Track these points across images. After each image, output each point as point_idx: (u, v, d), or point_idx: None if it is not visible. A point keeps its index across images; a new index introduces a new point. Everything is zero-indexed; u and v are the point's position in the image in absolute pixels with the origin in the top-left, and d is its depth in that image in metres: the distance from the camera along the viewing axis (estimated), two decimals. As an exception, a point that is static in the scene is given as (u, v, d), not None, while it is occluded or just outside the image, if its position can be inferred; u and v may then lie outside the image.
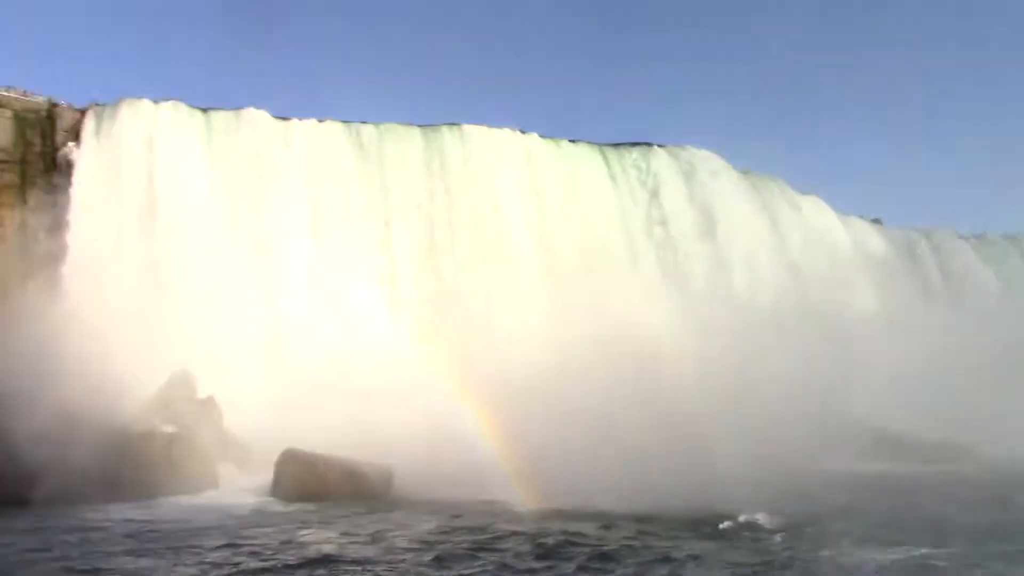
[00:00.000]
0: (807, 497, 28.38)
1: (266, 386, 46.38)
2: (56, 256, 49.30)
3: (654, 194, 64.87)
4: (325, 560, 20.64)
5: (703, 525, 23.77)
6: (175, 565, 20.24)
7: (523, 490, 32.28)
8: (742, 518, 24.00)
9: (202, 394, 43.12)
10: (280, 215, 54.36)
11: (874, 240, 75.10)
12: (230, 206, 53.83)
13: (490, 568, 18.93)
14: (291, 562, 20.61)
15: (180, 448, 37.30)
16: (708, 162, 67.44)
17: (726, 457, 35.13)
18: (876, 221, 79.12)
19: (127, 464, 34.65)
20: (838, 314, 54.46)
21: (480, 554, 20.44)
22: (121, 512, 30.05)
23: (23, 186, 52.26)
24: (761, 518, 24.18)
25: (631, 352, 48.85)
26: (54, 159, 53.24)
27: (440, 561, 19.86)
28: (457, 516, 27.63)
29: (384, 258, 56.40)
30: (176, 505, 32.48)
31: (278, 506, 32.20)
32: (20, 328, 42.32)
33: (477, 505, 30.15)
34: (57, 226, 50.50)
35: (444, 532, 24.80)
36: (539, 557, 19.89)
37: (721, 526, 23.54)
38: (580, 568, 18.63)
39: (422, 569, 19.10)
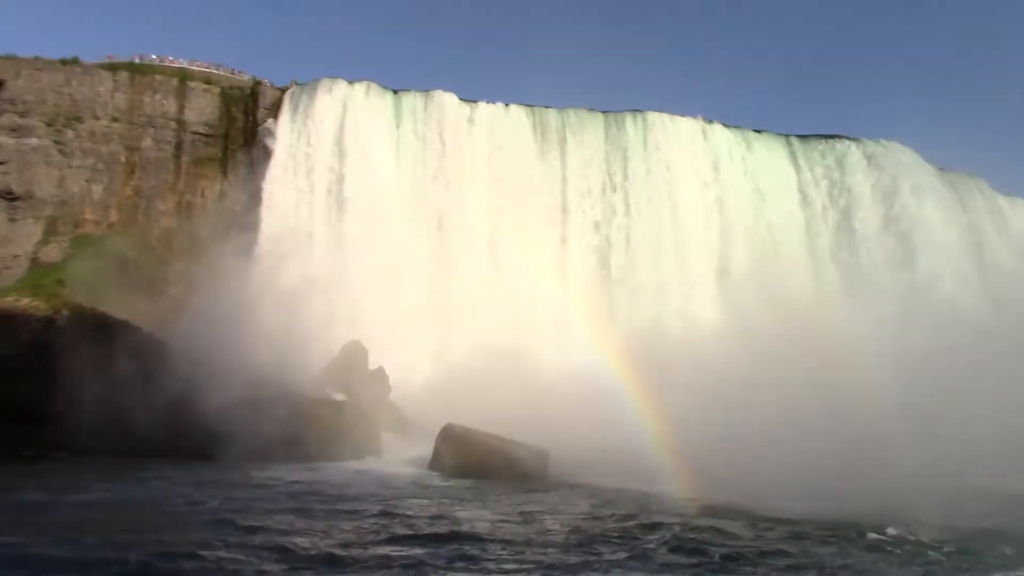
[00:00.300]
0: (975, 514, 26.42)
1: (434, 361, 47.64)
2: (251, 226, 52.23)
3: (841, 187, 62.00)
4: (473, 536, 20.81)
5: (852, 534, 22.59)
6: (330, 527, 20.94)
7: (681, 481, 31.66)
8: (891, 531, 22.63)
9: (373, 366, 44.62)
10: (461, 196, 55.40)
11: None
12: (414, 185, 55.42)
13: (626, 558, 18.64)
14: (441, 535, 20.90)
15: (348, 416, 38.77)
16: (901, 157, 63.82)
17: (897, 466, 33.51)
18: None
19: (300, 428, 36.14)
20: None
21: (622, 542, 20.16)
22: (290, 473, 31.38)
23: (224, 159, 55.72)
24: (913, 531, 22.78)
25: (808, 351, 47.28)
26: (254, 134, 56.42)
27: (581, 547, 19.71)
28: (609, 502, 27.34)
29: (559, 242, 56.54)
30: (340, 470, 33.70)
31: (435, 479, 32.83)
32: (217, 293, 45.21)
33: (631, 493, 29.75)
34: (253, 198, 53.50)
35: (594, 518, 24.55)
36: (677, 550, 19.43)
37: (870, 536, 22.30)
38: (715, 566, 18.08)
39: (561, 555, 18.99)
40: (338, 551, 17.94)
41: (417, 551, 18.34)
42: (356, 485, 29.21)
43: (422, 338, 50.20)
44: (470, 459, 33.93)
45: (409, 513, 24.12)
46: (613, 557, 18.73)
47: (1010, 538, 22.41)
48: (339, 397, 40.64)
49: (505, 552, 19.18)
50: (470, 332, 49.90)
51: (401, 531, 21.21)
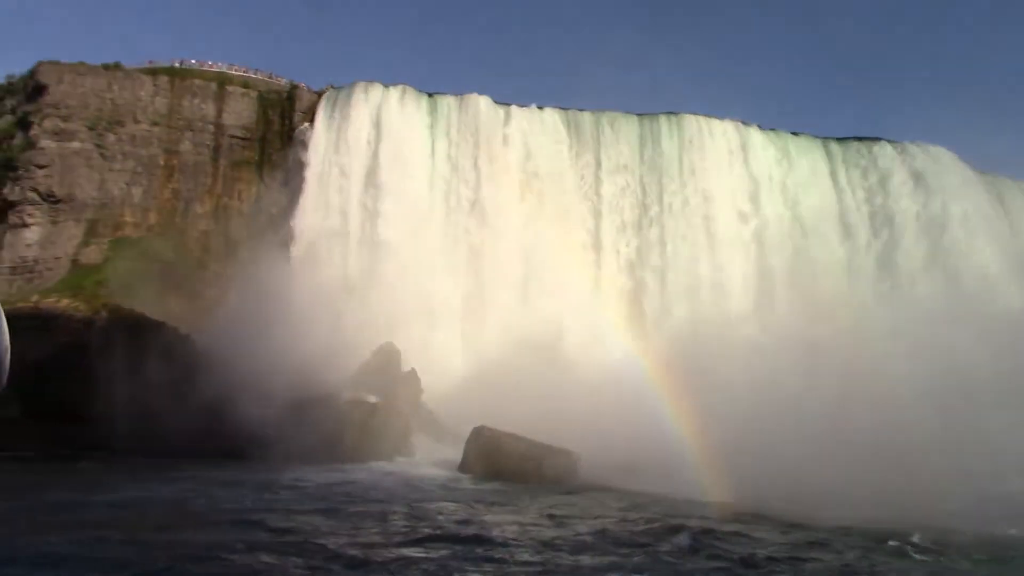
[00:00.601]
0: (1000, 520, 25.93)
1: (467, 363, 47.72)
2: (287, 229, 52.75)
3: (878, 190, 61.17)
4: (496, 539, 20.78)
5: (878, 540, 22.29)
6: (355, 528, 21.04)
7: (713, 487, 31.44)
8: (915, 537, 22.29)
9: (405, 367, 44.81)
10: (495, 198, 55.43)
11: None
12: (449, 187, 55.60)
13: (648, 562, 18.52)
14: (464, 536, 20.93)
15: (380, 418, 39.00)
16: (939, 159, 62.77)
17: (931, 471, 33.02)
18: None
19: (334, 430, 36.46)
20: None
21: (645, 547, 20.02)
22: (321, 474, 31.63)
23: (261, 162, 56.32)
24: (941, 539, 22.45)
25: (845, 356, 46.76)
26: (290, 137, 56.95)
27: (603, 551, 19.58)
28: (638, 507, 27.22)
29: (593, 245, 56.42)
30: (371, 471, 33.91)
31: (464, 481, 32.90)
32: (252, 296, 45.72)
33: (661, 497, 29.51)
34: (289, 201, 54.01)
35: (620, 522, 24.38)
36: (697, 554, 19.28)
37: (891, 543, 21.98)
38: (734, 572, 17.94)
39: (582, 559, 18.90)
40: (361, 552, 18.05)
41: (439, 553, 18.38)
42: (385, 486, 29.37)
43: (455, 340, 50.45)
44: (499, 462, 33.95)
45: (434, 515, 24.21)
46: (635, 560, 18.61)
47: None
48: (372, 399, 40.83)
49: (526, 555, 19.15)
50: (503, 334, 49.94)
51: (425, 532, 21.27)
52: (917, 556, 20.45)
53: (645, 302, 56.14)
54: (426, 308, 50.48)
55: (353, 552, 18.06)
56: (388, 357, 45.37)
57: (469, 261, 53.84)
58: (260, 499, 24.85)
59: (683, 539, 21.28)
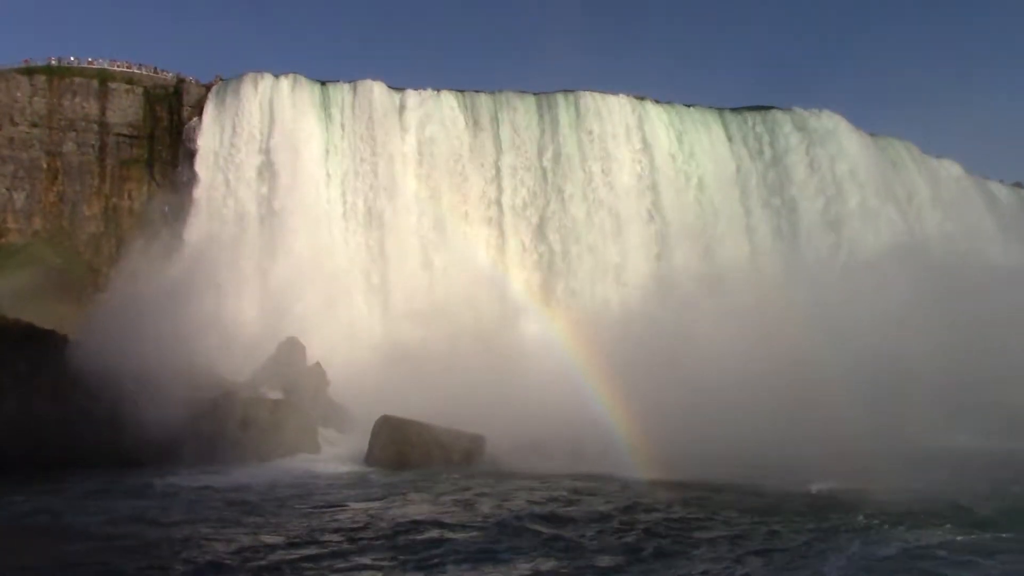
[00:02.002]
0: (906, 472, 26.80)
1: (372, 353, 47.12)
2: (180, 226, 51.34)
3: (775, 158, 62.36)
4: (400, 530, 20.44)
5: (773, 498, 22.98)
6: (236, 532, 20.20)
7: (627, 461, 31.66)
8: (815, 488, 22.98)
9: (310, 361, 44.04)
10: (393, 184, 54.83)
11: (1012, 203, 70.22)
12: (345, 175, 54.78)
13: (525, 546, 18.40)
14: (365, 533, 20.48)
15: (283, 414, 38.07)
16: (832, 125, 64.24)
17: (848, 429, 33.89)
18: (1017, 184, 74.04)
19: (232, 429, 35.50)
20: (966, 278, 51.20)
21: (531, 529, 19.94)
22: (210, 476, 30.73)
23: (151, 160, 54.68)
24: (833, 490, 23.22)
25: (750, 322, 47.66)
26: (180, 133, 55.39)
27: (482, 537, 19.39)
28: (538, 488, 27.06)
29: (494, 226, 56.29)
30: (268, 470, 33.05)
31: (368, 474, 32.43)
32: (145, 296, 44.33)
33: (566, 476, 29.64)
34: (182, 198, 52.57)
35: (507, 506, 24.21)
36: (590, 530, 19.26)
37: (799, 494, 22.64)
38: (623, 545, 18.07)
39: (463, 546, 18.65)
40: (234, 559, 17.33)
41: (323, 553, 17.89)
42: (285, 485, 28.55)
43: (360, 330, 49.83)
44: (404, 450, 33.61)
45: (338, 511, 23.72)
46: (516, 544, 18.46)
47: (933, 496, 22.56)
48: (275, 395, 40.02)
49: (414, 547, 18.74)
50: (409, 321, 49.51)
51: (311, 532, 20.58)
52: (810, 509, 20.83)
53: (550, 279, 56.31)
54: (328, 299, 49.70)
55: (225, 559, 17.29)
56: (291, 352, 44.50)
57: (369, 249, 53.23)
58: (131, 508, 23.36)
59: (581, 516, 21.35)
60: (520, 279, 55.20)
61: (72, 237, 52.14)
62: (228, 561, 17.11)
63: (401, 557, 17.45)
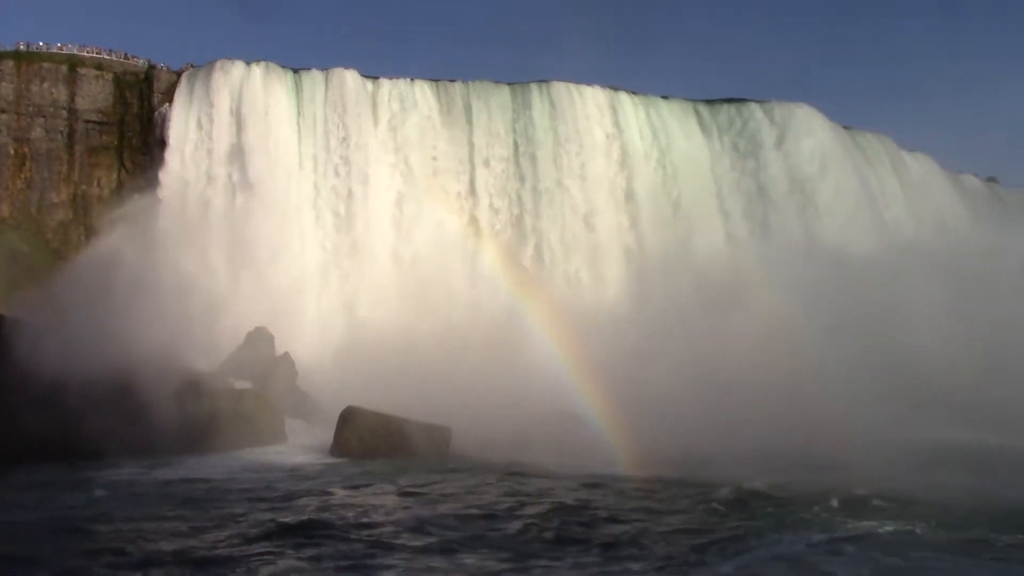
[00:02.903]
0: (853, 466, 27.13)
1: (343, 342, 47.06)
2: (150, 214, 50.91)
3: (748, 151, 62.55)
4: (349, 523, 20.43)
5: (703, 492, 23.19)
6: (189, 524, 19.97)
7: (602, 454, 31.73)
8: (705, 491, 23.30)
9: (279, 351, 43.92)
10: (365, 173, 54.60)
11: (985, 198, 70.95)
12: (317, 164, 54.51)
13: (472, 539, 18.46)
14: (324, 522, 20.45)
15: (250, 404, 38.06)
16: (806, 118, 64.52)
17: (827, 423, 34.29)
18: (991, 180, 74.82)
19: (196, 419, 35.24)
20: (935, 272, 51.73)
21: (484, 524, 19.97)
22: (174, 468, 30.67)
23: (120, 147, 54.21)
24: (763, 486, 23.52)
25: (719, 313, 47.96)
26: (150, 120, 54.93)
27: (433, 531, 19.42)
28: (497, 482, 27.03)
29: (467, 216, 56.21)
30: (231, 461, 32.94)
31: (333, 464, 32.44)
32: (116, 281, 44.06)
33: (526, 467, 29.60)
34: (151, 185, 52.14)
35: (465, 500, 24.19)
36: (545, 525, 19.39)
37: (722, 493, 22.89)
38: (551, 531, 18.32)
39: (412, 540, 18.68)
40: (162, 552, 17.16)
41: (276, 546, 17.84)
42: (243, 476, 28.48)
43: (330, 320, 49.72)
44: (369, 442, 33.63)
45: (296, 501, 23.68)
46: (464, 536, 18.52)
47: (873, 488, 22.78)
48: (241, 385, 39.90)
49: (365, 540, 18.68)
50: (380, 310, 49.49)
51: (283, 521, 20.59)
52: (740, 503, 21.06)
53: (524, 270, 56.29)
54: (299, 289, 49.58)
55: (157, 553, 17.11)
56: (260, 341, 44.44)
57: (341, 239, 53.05)
58: (60, 504, 22.99)
59: (529, 513, 21.36)
60: (494, 269, 55.08)
61: (40, 224, 51.64)
62: (160, 554, 16.98)
63: (341, 548, 17.41)
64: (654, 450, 30.49)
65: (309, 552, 17.15)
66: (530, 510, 21.71)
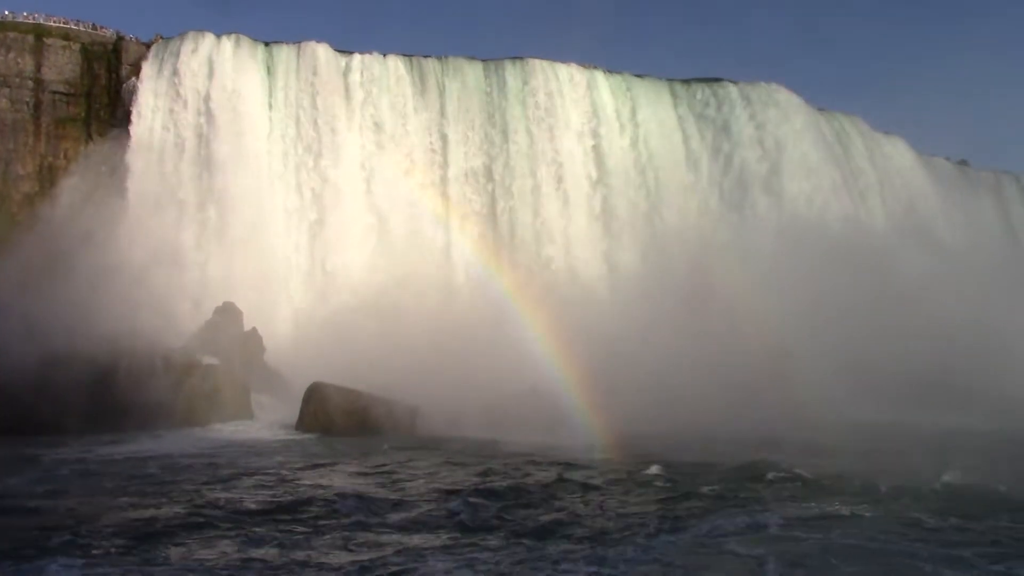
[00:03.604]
0: (822, 447, 27.46)
1: (311, 319, 46.91)
2: (117, 187, 50.36)
3: (722, 130, 62.54)
4: (310, 498, 20.40)
5: (662, 469, 23.50)
6: (130, 503, 19.89)
7: (573, 431, 31.87)
8: (653, 469, 23.46)
9: (247, 326, 43.70)
10: (336, 148, 54.17)
11: (955, 180, 71.51)
12: (287, 138, 54.02)
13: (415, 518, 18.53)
14: (280, 500, 20.40)
15: (217, 380, 37.83)
16: (780, 99, 64.54)
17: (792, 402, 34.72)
18: (963, 162, 75.40)
19: (162, 395, 35.11)
20: (904, 252, 52.22)
21: (439, 502, 20.00)
22: (136, 443, 30.50)
23: (88, 119, 53.47)
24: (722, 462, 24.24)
25: (691, 290, 48.28)
26: (118, 92, 54.21)
27: (386, 511, 19.46)
28: (459, 460, 26.94)
29: (439, 191, 55.92)
30: (200, 435, 32.96)
31: (297, 440, 32.42)
32: (81, 255, 43.63)
33: (488, 444, 29.74)
34: (119, 158, 51.50)
35: (422, 475, 24.33)
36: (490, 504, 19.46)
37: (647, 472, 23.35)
38: (504, 510, 18.42)
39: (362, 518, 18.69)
40: (109, 528, 17.03)
41: (223, 525, 17.74)
42: (206, 452, 28.25)
43: (301, 295, 49.45)
44: (334, 418, 33.72)
45: (254, 479, 23.57)
46: (409, 518, 18.50)
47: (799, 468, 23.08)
48: (208, 361, 39.61)
49: (338, 512, 18.80)
50: (349, 285, 49.29)
51: (240, 501, 20.48)
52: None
53: (496, 245, 56.22)
54: (268, 262, 49.32)
55: (103, 530, 16.88)
56: (228, 317, 44.13)
57: (312, 212, 52.68)
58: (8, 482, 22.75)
59: (492, 490, 21.41)
60: (465, 244, 55.00)
61: (5, 197, 50.94)
62: (104, 529, 16.88)
63: (283, 528, 17.26)
64: (624, 427, 30.77)
65: (242, 531, 16.95)
66: (489, 488, 21.68)
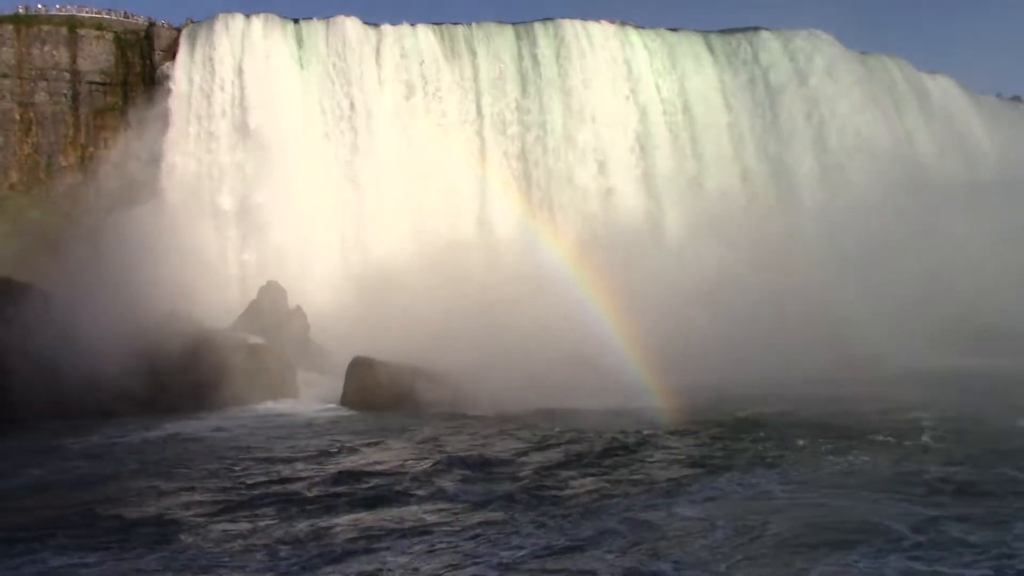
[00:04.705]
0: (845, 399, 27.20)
1: (355, 293, 46.97)
2: (157, 173, 50.84)
3: (762, 80, 61.22)
4: (351, 473, 20.58)
5: (707, 422, 23.86)
6: (181, 488, 20.24)
7: (632, 393, 31.68)
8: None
9: (291, 304, 43.97)
10: (369, 121, 54.08)
11: (1008, 116, 69.21)
12: (321, 114, 54.04)
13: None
14: (314, 477, 20.60)
15: (262, 358, 38.17)
16: (819, 44, 62.92)
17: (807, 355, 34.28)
18: (1016, 99, 72.89)
19: (208, 376, 35.52)
20: (952, 192, 51.00)
21: (461, 472, 20.05)
22: (183, 423, 30.95)
23: (125, 107, 53.93)
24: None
25: (732, 243, 47.69)
26: (153, 79, 54.59)
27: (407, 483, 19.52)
28: (501, 431, 27.04)
29: (475, 161, 55.58)
30: (246, 414, 33.40)
31: (342, 415, 32.65)
32: (125, 242, 44.19)
33: (531, 415, 29.64)
34: (158, 144, 51.91)
35: (477, 443, 24.52)
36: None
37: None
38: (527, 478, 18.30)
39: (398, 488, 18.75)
40: (138, 510, 17.49)
41: (263, 500, 17.93)
42: (245, 431, 29.02)
43: (341, 270, 49.51)
44: (378, 391, 33.84)
45: (294, 455, 23.87)
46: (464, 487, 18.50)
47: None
48: (253, 340, 39.97)
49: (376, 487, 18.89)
50: (391, 258, 49.20)
51: (276, 475, 20.88)
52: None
53: (536, 211, 55.85)
54: (309, 241, 49.54)
55: (130, 512, 17.41)
56: (272, 296, 44.41)
57: (349, 188, 52.75)
58: (68, 461, 23.70)
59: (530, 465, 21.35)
60: (504, 209, 54.71)
61: (49, 188, 51.66)
62: (133, 513, 17.27)
63: (313, 506, 17.48)
64: (681, 389, 30.54)
65: (272, 513, 17.15)
66: (532, 458, 21.70)
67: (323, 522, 16.00)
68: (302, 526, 15.78)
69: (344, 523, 15.95)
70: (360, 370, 34.56)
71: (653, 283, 42.69)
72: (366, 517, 16.34)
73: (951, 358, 38.19)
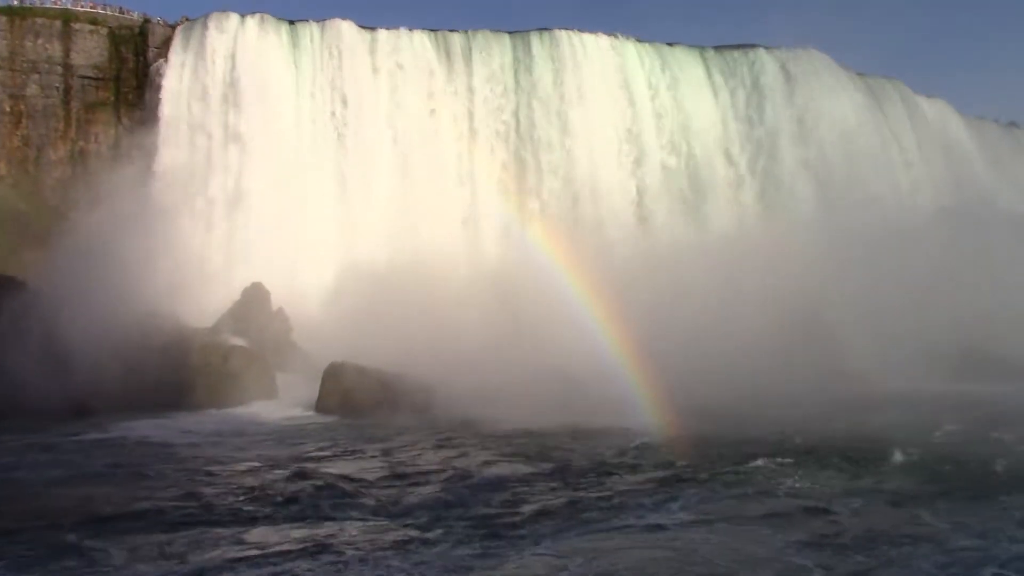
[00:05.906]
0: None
1: (341, 298, 46.82)
2: (147, 170, 50.72)
3: (757, 98, 61.24)
4: (294, 482, 20.46)
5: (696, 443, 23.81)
6: (140, 489, 20.11)
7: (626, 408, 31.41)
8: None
9: (275, 305, 43.89)
10: (362, 126, 54.04)
11: (1004, 142, 69.34)
12: (314, 116, 54.02)
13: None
14: (275, 482, 20.53)
15: (242, 360, 38.12)
16: (816, 64, 62.99)
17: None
18: (1012, 124, 73.08)
19: (184, 376, 35.51)
20: (947, 217, 50.94)
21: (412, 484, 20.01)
22: (150, 426, 30.77)
23: (117, 103, 53.91)
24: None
25: (728, 262, 47.51)
26: (146, 75, 54.55)
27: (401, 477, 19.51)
28: (473, 443, 26.94)
29: (466, 167, 55.53)
30: (221, 416, 33.30)
31: (315, 419, 32.59)
32: (112, 239, 44.04)
33: (501, 424, 29.46)
34: (149, 141, 51.84)
35: (431, 455, 24.42)
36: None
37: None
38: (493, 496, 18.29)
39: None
40: (100, 513, 17.43)
41: (188, 503, 17.86)
42: (212, 434, 28.79)
43: (327, 273, 49.21)
44: (352, 397, 33.79)
45: (256, 461, 23.75)
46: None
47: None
48: (234, 342, 39.94)
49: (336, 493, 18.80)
50: (377, 263, 49.05)
51: (237, 482, 20.78)
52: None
53: (528, 222, 55.69)
54: (296, 241, 49.51)
55: (96, 514, 17.36)
56: (255, 297, 44.31)
57: (339, 190, 52.70)
58: (33, 462, 23.51)
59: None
60: (494, 216, 54.72)
61: (38, 182, 51.57)
62: (100, 512, 17.28)
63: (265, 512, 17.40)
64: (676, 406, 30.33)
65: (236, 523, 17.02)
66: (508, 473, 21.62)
67: (232, 537, 15.81)
68: (206, 539, 15.62)
69: (256, 538, 15.81)
70: (335, 376, 34.56)
71: (641, 296, 42.61)
72: (292, 533, 16.14)
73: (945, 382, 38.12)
